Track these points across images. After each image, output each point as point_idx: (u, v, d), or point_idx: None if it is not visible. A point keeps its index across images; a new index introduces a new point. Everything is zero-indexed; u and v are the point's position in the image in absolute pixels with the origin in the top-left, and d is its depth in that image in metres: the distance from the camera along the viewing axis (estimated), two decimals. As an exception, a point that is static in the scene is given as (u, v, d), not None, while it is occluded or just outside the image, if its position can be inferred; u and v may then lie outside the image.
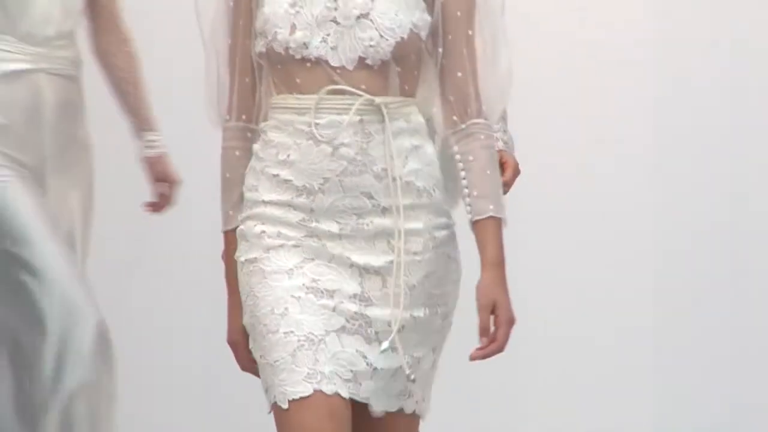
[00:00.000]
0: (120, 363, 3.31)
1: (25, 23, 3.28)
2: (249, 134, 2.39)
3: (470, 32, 2.34)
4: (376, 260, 2.30)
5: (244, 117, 2.40)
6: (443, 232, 2.36)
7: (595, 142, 4.73)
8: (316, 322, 2.25)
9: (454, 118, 2.34)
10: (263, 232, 2.31)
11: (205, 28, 2.40)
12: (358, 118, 2.28)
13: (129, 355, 3.58)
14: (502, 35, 2.38)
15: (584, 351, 4.76)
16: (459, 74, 2.34)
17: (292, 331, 2.23)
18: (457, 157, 2.33)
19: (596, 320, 4.75)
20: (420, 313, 2.32)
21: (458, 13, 2.33)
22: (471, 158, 2.32)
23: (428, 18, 2.32)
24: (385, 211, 2.30)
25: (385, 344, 2.28)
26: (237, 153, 2.40)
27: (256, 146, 2.35)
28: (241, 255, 2.34)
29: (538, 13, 4.63)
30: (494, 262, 2.29)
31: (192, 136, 3.58)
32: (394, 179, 2.29)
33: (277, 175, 2.30)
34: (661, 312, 4.75)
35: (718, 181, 4.76)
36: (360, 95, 2.27)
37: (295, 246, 2.29)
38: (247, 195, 2.35)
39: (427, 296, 2.33)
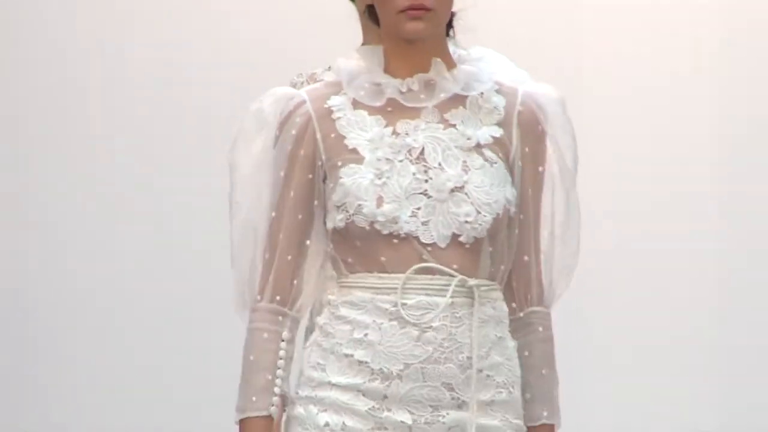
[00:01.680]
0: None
1: None
2: (280, 318, 2.18)
3: (539, 212, 2.22)
4: None
5: (278, 298, 2.18)
6: None
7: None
8: None
9: (513, 305, 2.20)
10: (326, 424, 2.11)
11: (240, 202, 2.22)
12: (451, 300, 2.11)
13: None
14: (575, 214, 2.24)
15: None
16: (526, 258, 2.21)
17: None
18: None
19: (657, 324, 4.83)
20: None
21: (530, 191, 2.20)
22: (527, 353, 2.19)
23: (516, 192, 2.18)
24: (462, 404, 2.11)
25: None
26: (265, 335, 2.16)
27: (321, 320, 2.17)
28: None
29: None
30: None
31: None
32: (479, 371, 2.11)
33: (351, 355, 2.11)
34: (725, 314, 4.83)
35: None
36: (454, 276, 2.10)
37: None
38: (311, 373, 2.15)
39: None
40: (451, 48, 2.21)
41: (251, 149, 2.19)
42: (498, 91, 2.20)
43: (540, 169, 2.20)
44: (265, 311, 2.17)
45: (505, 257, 2.18)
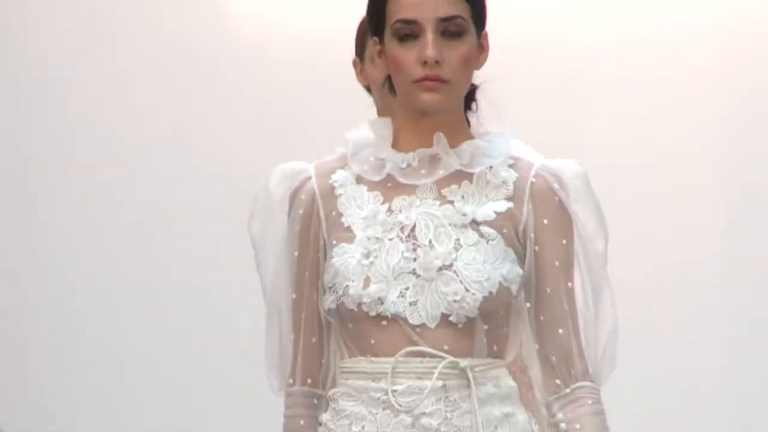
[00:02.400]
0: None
1: None
2: (315, 401, 2.16)
3: (570, 284, 2.12)
4: None
5: (309, 381, 2.16)
6: None
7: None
8: None
9: (557, 381, 2.11)
10: None
11: (266, 281, 2.18)
12: (441, 383, 2.05)
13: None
14: (607, 289, 2.15)
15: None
16: (560, 331, 2.11)
17: None
18: (563, 426, 2.09)
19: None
20: None
21: (556, 263, 2.12)
22: (578, 426, 2.09)
23: (520, 270, 2.11)
24: None
25: None
26: (302, 422, 2.15)
27: (325, 416, 2.13)
28: None
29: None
30: None
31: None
32: None
33: None
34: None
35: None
36: (442, 357, 2.04)
37: None
38: None
39: None
40: (473, 121, 2.19)
41: (267, 229, 2.17)
42: (512, 166, 2.15)
43: (563, 241, 2.13)
44: (300, 395, 2.16)
45: (509, 334, 2.12)
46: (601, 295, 2.14)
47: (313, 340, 2.15)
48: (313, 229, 2.14)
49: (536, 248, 2.11)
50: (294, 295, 2.15)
